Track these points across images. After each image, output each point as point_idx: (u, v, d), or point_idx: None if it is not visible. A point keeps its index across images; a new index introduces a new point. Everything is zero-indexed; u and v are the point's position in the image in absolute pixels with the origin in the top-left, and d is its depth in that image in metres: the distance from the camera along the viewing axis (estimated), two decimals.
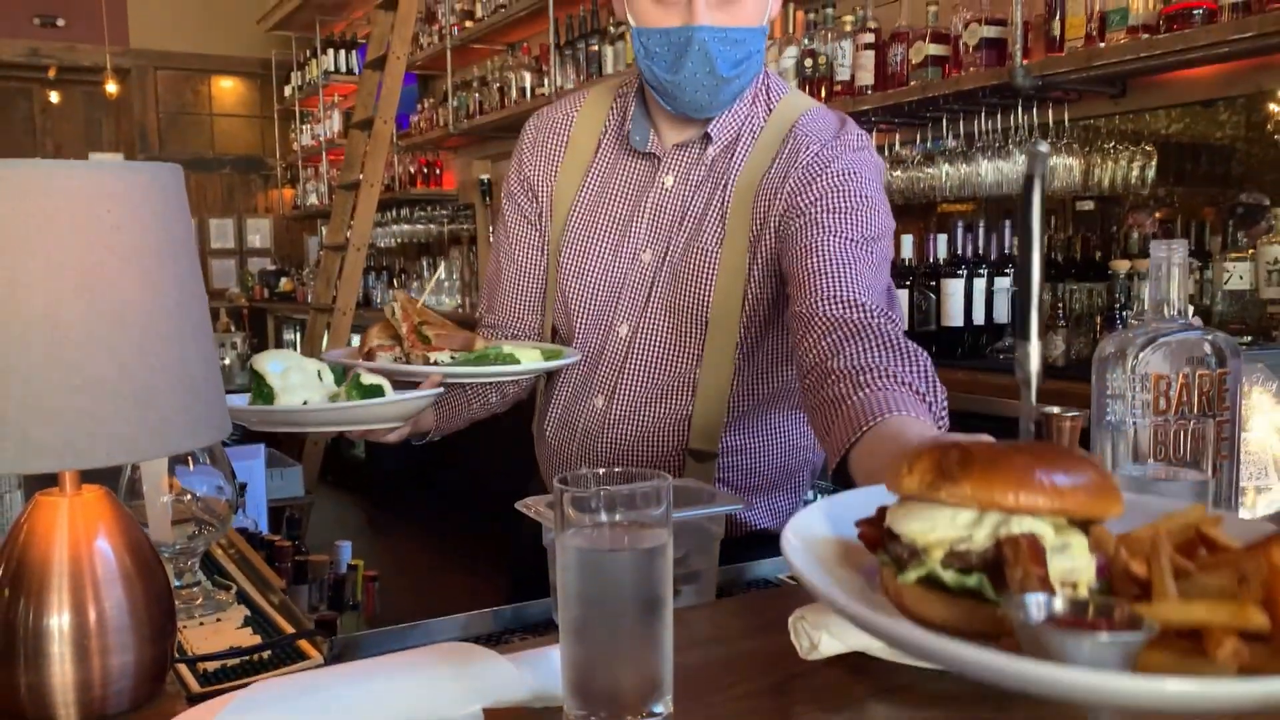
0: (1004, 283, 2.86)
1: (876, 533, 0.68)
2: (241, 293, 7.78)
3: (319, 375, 1.19)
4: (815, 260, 1.20)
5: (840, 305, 1.14)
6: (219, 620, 1.02)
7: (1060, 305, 2.62)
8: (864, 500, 0.74)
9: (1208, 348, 1.00)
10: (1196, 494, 0.90)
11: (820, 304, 1.15)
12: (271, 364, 1.15)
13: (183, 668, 0.88)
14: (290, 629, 0.99)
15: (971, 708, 0.76)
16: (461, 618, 1.06)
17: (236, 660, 0.91)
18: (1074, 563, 0.60)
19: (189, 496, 1.06)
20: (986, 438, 0.70)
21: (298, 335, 6.69)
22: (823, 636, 0.82)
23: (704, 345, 1.34)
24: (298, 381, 1.16)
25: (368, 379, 1.17)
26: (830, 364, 1.07)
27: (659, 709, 0.70)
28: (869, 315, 1.11)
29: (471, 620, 1.06)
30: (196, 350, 0.77)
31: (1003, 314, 2.89)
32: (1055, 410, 1.30)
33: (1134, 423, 0.95)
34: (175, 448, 0.78)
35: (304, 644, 0.95)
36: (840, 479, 1.00)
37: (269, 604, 1.08)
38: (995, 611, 0.60)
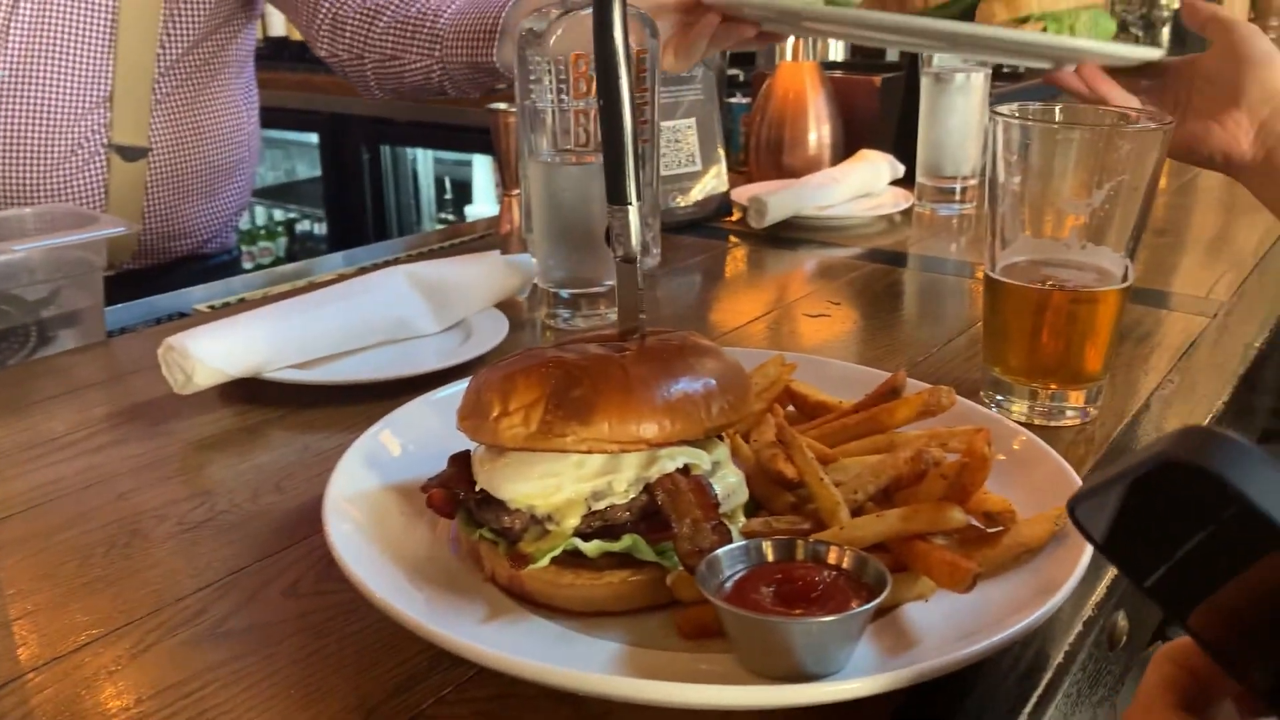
0: None
1: (451, 495, 0.50)
2: None
3: None
4: None
5: None
6: None
7: None
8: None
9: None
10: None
11: None
12: None
13: None
14: None
15: None
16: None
17: None
18: (725, 483, 0.49)
19: None
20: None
21: None
22: (196, 367, 0.71)
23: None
24: None
25: None
26: None
27: None
28: None
29: None
30: None
31: None
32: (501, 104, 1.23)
33: (552, 109, 0.90)
34: None
35: None
36: None
37: None
38: (659, 576, 0.46)
